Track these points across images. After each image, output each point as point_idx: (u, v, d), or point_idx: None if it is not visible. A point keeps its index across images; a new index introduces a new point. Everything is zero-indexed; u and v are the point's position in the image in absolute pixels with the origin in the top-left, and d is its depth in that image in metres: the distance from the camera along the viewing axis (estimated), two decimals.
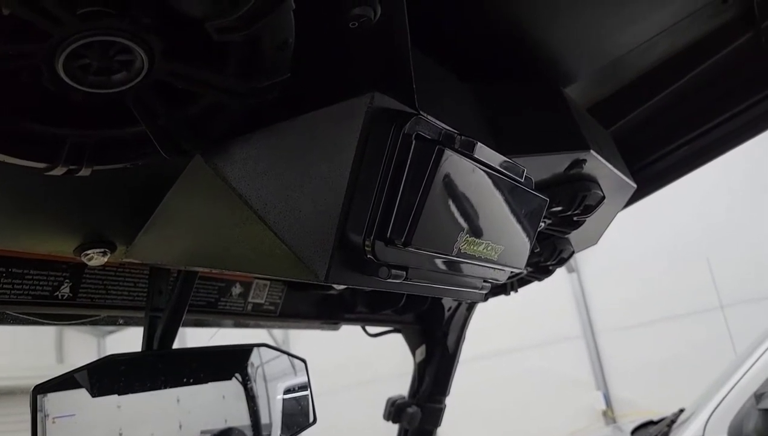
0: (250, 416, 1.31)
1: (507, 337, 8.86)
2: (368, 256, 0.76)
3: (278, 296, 1.68)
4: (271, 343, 1.43)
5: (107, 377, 1.08)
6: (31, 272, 1.12)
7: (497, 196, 0.93)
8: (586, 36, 1.18)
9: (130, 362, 1.14)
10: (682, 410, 3.63)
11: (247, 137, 0.81)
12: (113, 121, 0.70)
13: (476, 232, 0.89)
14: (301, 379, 1.44)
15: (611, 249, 6.97)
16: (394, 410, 2.14)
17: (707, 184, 6.97)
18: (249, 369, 1.34)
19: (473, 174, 0.85)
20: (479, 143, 0.84)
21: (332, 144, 0.75)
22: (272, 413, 1.36)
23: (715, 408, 3.22)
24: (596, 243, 1.67)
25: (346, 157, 0.74)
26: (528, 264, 1.15)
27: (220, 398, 1.27)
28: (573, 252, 1.54)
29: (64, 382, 1.01)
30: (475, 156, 0.84)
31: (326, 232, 0.75)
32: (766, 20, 1.33)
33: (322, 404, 1.47)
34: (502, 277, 1.08)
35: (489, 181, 0.89)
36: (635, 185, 1.43)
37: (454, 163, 0.80)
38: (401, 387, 2.27)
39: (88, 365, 1.05)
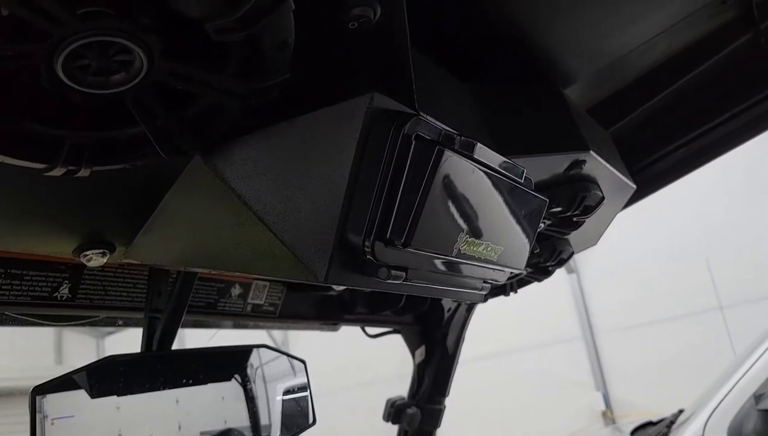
0: (250, 417, 1.31)
1: (506, 338, 8.86)
2: (368, 257, 0.76)
3: (278, 297, 1.68)
4: (271, 344, 1.43)
5: (106, 378, 1.07)
6: (30, 272, 1.11)
7: (497, 197, 0.93)
8: (585, 37, 1.18)
9: (130, 363, 1.14)
10: (681, 411, 3.63)
11: (247, 138, 0.80)
12: (112, 121, 0.70)
13: (476, 232, 0.89)
14: (301, 380, 1.44)
15: (611, 250, 6.98)
16: (394, 411, 2.14)
17: (706, 184, 6.98)
18: (248, 370, 1.34)
19: (473, 175, 0.85)
20: (479, 144, 0.84)
21: (332, 145, 0.75)
22: (272, 414, 1.35)
23: (715, 409, 3.22)
24: (596, 244, 1.67)
25: (345, 157, 0.74)
26: (527, 265, 1.15)
27: (220, 399, 1.27)
28: (572, 253, 1.54)
29: (63, 383, 1.01)
30: (475, 157, 0.84)
31: (326, 232, 0.75)
32: (766, 21, 1.33)
33: (321, 405, 1.47)
34: (501, 278, 1.08)
35: (489, 182, 0.89)
36: (635, 186, 1.43)
37: (453, 164, 0.80)
38: (401, 388, 2.27)
39: (87, 366, 1.05)
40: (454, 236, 0.85)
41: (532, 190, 1.01)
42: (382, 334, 2.14)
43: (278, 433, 1.35)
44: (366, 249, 0.76)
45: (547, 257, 1.49)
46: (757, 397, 3.06)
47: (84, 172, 0.71)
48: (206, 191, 0.87)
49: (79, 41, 0.55)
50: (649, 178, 1.66)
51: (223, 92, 0.68)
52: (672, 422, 3.54)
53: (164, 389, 1.15)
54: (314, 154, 0.77)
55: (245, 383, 1.32)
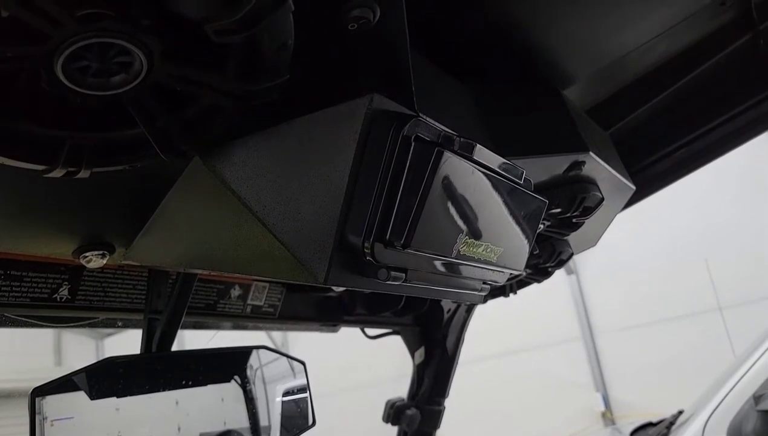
0: (249, 419, 1.31)
1: (506, 339, 8.86)
2: (367, 258, 0.76)
3: (277, 298, 1.68)
4: (270, 345, 1.43)
5: (106, 379, 1.07)
6: (29, 274, 1.11)
7: (496, 198, 0.93)
8: (584, 38, 1.18)
9: (129, 364, 1.14)
10: (681, 412, 3.63)
11: (246, 139, 0.80)
12: (112, 123, 0.70)
13: (475, 234, 0.89)
14: (300, 381, 1.44)
15: (610, 251, 6.99)
16: (393, 412, 2.14)
17: (705, 185, 6.98)
18: (248, 371, 1.34)
19: (472, 176, 0.85)
20: (478, 145, 0.84)
21: (331, 146, 0.75)
22: (271, 416, 1.35)
23: (714, 410, 3.21)
24: (595, 245, 1.67)
25: (345, 159, 0.74)
26: (527, 266, 1.15)
27: (219, 401, 1.27)
28: (572, 254, 1.54)
29: (63, 384, 1.01)
30: (475, 158, 0.84)
31: (325, 234, 0.75)
32: (764, 22, 1.33)
33: (321, 406, 1.47)
34: (501, 279, 1.08)
35: (488, 183, 0.89)
36: (634, 187, 1.43)
37: (453, 165, 0.80)
38: (400, 389, 2.27)
39: (86, 367, 1.05)
40: (454, 237, 0.85)
41: (531, 192, 1.01)
42: (382, 335, 2.14)
43: (278, 434, 1.35)
44: (366, 250, 0.76)
45: (547, 258, 1.49)
46: (757, 398, 3.05)
47: (84, 174, 0.71)
48: (206, 193, 0.87)
49: (79, 43, 0.56)
50: (648, 179, 1.66)
51: (222, 94, 0.68)
52: (672, 423, 3.53)
53: (164, 390, 1.15)
54: (314, 156, 0.77)
55: (245, 385, 1.32)
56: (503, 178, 0.93)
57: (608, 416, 8.52)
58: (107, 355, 1.12)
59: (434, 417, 2.16)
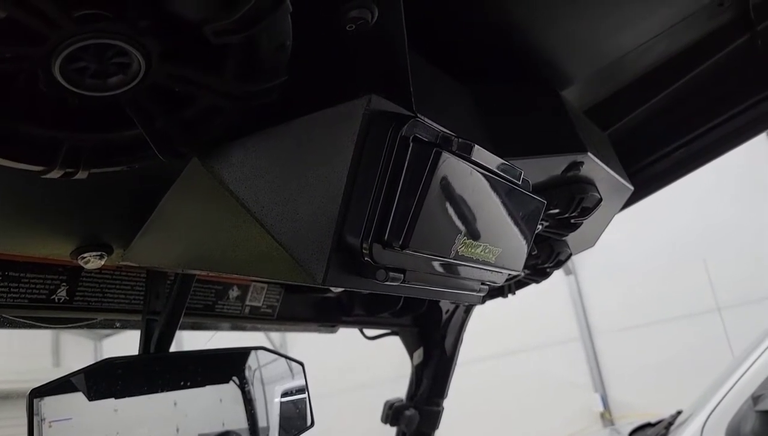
0: (248, 420, 1.31)
1: (505, 339, 8.87)
2: (366, 258, 0.76)
3: (275, 299, 1.68)
4: (269, 346, 1.43)
5: (104, 380, 1.07)
6: (27, 275, 1.11)
7: (495, 199, 0.93)
8: (583, 38, 1.18)
9: (128, 365, 1.14)
10: (679, 412, 3.63)
11: (245, 140, 0.80)
12: (110, 124, 0.70)
13: (474, 234, 0.89)
14: (299, 382, 1.44)
15: (608, 251, 6.99)
16: (392, 413, 2.14)
17: (703, 186, 6.99)
18: (246, 372, 1.34)
19: (471, 176, 0.85)
20: (477, 146, 0.84)
21: (330, 147, 0.75)
22: (270, 417, 1.35)
23: (713, 410, 3.22)
24: (593, 245, 1.67)
25: (343, 159, 0.74)
26: (525, 266, 1.15)
27: (218, 402, 1.27)
28: (570, 254, 1.54)
29: (61, 385, 1.01)
30: (473, 158, 0.84)
31: (324, 234, 0.75)
32: (762, 23, 1.33)
33: (319, 407, 1.47)
34: (499, 279, 1.08)
35: (486, 184, 0.89)
36: (632, 187, 1.43)
37: (451, 166, 0.80)
38: (399, 390, 2.27)
39: (85, 368, 1.04)
40: (452, 237, 0.85)
41: (529, 192, 1.02)
42: (381, 336, 2.14)
43: (276, 435, 1.35)
44: (364, 251, 0.76)
45: (545, 258, 1.49)
46: (756, 398, 3.06)
47: (82, 175, 0.71)
48: (204, 193, 0.87)
49: (76, 44, 0.55)
50: (646, 180, 1.67)
51: (220, 94, 0.68)
52: (670, 424, 3.54)
53: (162, 391, 1.14)
54: (312, 157, 0.77)
55: (243, 386, 1.32)
56: (501, 178, 0.93)
57: (607, 417, 8.52)
58: (105, 356, 1.12)
59: (433, 418, 2.15)
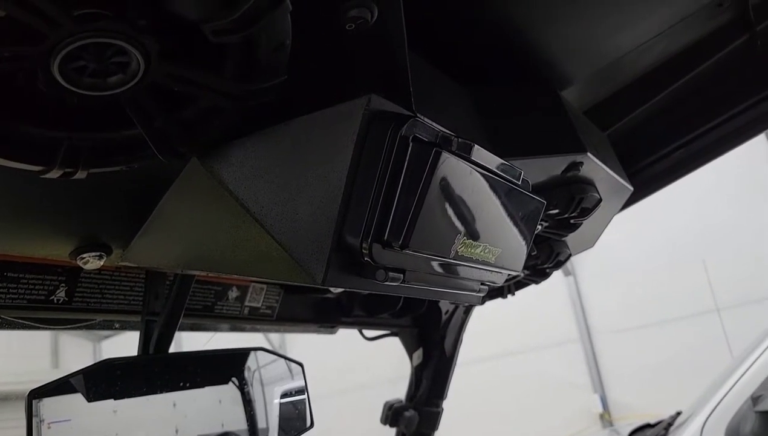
0: (247, 421, 1.30)
1: (504, 340, 8.87)
2: (365, 259, 0.76)
3: (275, 300, 1.67)
4: (268, 347, 1.43)
5: (103, 381, 1.07)
6: (26, 276, 1.11)
7: (494, 199, 0.93)
8: (582, 39, 1.18)
9: (126, 366, 1.14)
10: (679, 413, 3.63)
11: (244, 140, 0.80)
12: (109, 123, 0.70)
13: (473, 234, 0.89)
14: (298, 383, 1.44)
15: (608, 252, 6.99)
16: (392, 414, 2.14)
17: (703, 186, 6.99)
18: (246, 373, 1.34)
19: (470, 176, 0.85)
20: (476, 146, 0.84)
21: (329, 146, 0.75)
22: (269, 417, 1.35)
23: (712, 411, 3.21)
24: (593, 246, 1.67)
25: (343, 159, 0.74)
26: (525, 267, 1.15)
27: (217, 403, 1.27)
28: (570, 255, 1.54)
29: (60, 386, 1.00)
30: (473, 158, 0.84)
31: (323, 235, 0.75)
32: (761, 23, 1.33)
33: (319, 408, 1.47)
34: (499, 280, 1.07)
35: (486, 184, 0.89)
36: (632, 188, 1.43)
37: (451, 166, 0.80)
38: (398, 391, 2.26)
39: (84, 369, 1.04)
40: (452, 237, 0.85)
41: (529, 192, 1.01)
42: (380, 336, 2.14)
43: None
44: (363, 251, 0.76)
45: (545, 259, 1.49)
46: (755, 399, 3.06)
47: (81, 175, 0.71)
48: (203, 194, 0.87)
49: (75, 43, 0.55)
50: (646, 180, 1.67)
51: (220, 94, 0.68)
52: (670, 424, 3.53)
53: (161, 392, 1.14)
54: (312, 156, 0.77)
55: (242, 387, 1.32)
56: (501, 178, 0.93)
57: (606, 418, 8.52)
58: (104, 357, 1.11)
59: (432, 419, 2.15)
